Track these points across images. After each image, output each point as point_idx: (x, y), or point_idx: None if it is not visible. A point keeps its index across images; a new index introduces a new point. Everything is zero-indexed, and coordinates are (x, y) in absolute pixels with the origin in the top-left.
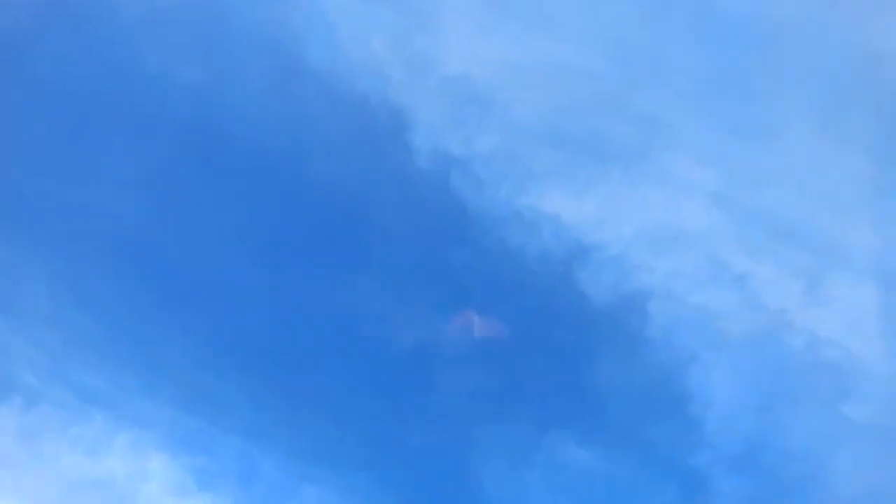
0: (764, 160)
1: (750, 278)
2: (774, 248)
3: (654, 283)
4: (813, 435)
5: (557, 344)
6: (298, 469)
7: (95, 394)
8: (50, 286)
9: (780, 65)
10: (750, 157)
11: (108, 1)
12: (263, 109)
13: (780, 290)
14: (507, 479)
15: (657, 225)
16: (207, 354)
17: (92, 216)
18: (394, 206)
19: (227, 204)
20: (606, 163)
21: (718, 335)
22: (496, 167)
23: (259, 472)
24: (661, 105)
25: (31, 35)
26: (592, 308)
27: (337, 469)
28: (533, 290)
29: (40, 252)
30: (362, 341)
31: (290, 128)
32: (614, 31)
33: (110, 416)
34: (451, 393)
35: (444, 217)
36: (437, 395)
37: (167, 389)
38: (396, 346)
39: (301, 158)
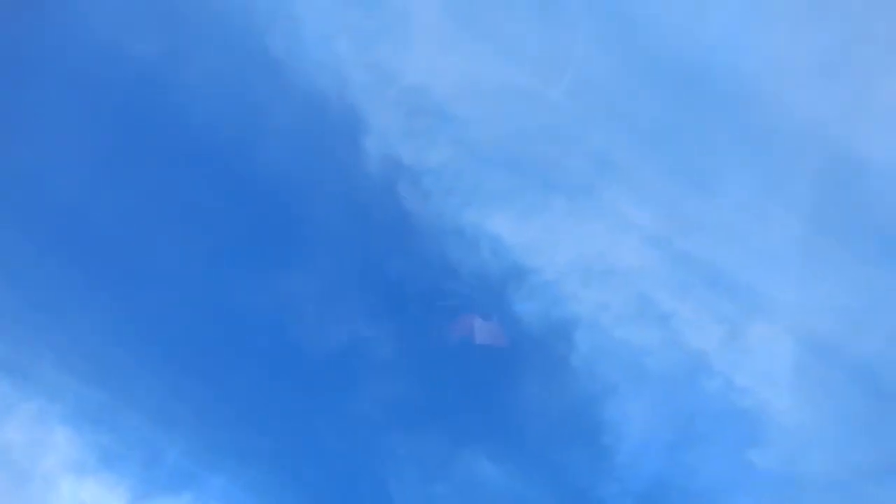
0: (701, 209)
1: (674, 318)
2: (701, 292)
3: (582, 313)
4: (717, 478)
5: (482, 361)
6: (204, 459)
7: (2, 359)
8: None
9: (731, 121)
10: (688, 205)
11: None
12: (216, 91)
13: (702, 333)
14: (417, 491)
15: (592, 257)
16: (126, 333)
17: (12, 185)
18: (336, 206)
19: (164, 182)
20: (552, 191)
21: (638, 370)
22: (444, 181)
23: (164, 457)
24: (611, 143)
25: None
26: (521, 330)
27: (244, 463)
28: (465, 306)
29: None
30: (286, 338)
31: (241, 114)
32: (577, 65)
33: (15, 384)
34: (369, 399)
35: (386, 224)
36: (356, 400)
37: (79, 363)
38: (320, 347)
39: (248, 146)
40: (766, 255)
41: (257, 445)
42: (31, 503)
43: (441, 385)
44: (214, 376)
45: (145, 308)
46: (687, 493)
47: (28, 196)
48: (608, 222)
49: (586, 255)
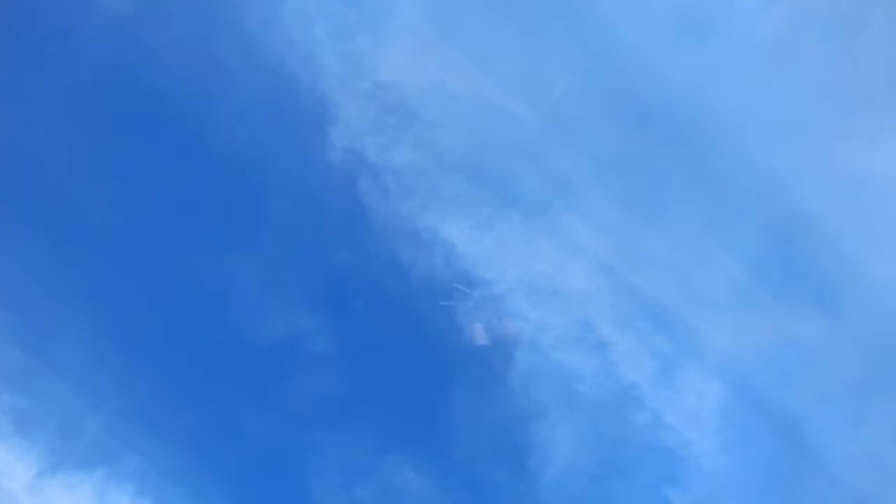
0: (651, 244)
1: (611, 348)
2: (640, 325)
3: (525, 331)
4: None
5: (420, 368)
6: (124, 435)
7: None
8: None
9: (689, 163)
10: (639, 238)
11: None
12: (182, 56)
13: (636, 366)
14: (335, 492)
15: (540, 277)
16: (60, 295)
17: None
18: (292, 192)
19: (114, 146)
20: (509, 207)
21: (571, 395)
22: (405, 182)
23: (82, 428)
24: (572, 167)
25: None
26: (462, 341)
27: (163, 444)
28: (411, 310)
29: None
30: (222, 320)
31: (205, 83)
32: (549, 87)
33: None
34: (299, 392)
35: (341, 217)
36: (286, 392)
37: (3, 319)
38: (256, 334)
39: (208, 118)
40: (706, 298)
41: (180, 427)
42: None
43: (374, 387)
44: (145, 351)
45: (80, 270)
46: None
47: None
48: (560, 245)
49: (535, 274)
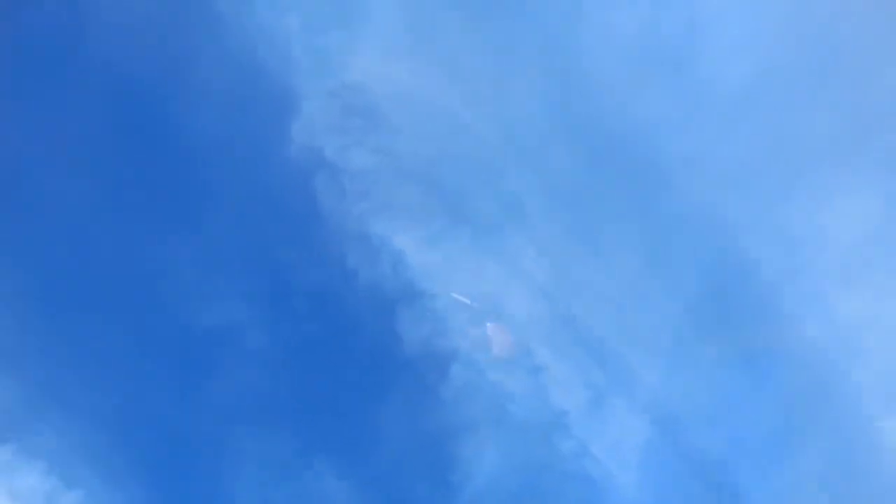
0: (594, 275)
1: (545, 373)
2: (576, 354)
3: (462, 348)
4: None
5: (354, 373)
6: (36, 409)
7: None
8: None
9: (640, 202)
10: (583, 268)
11: None
12: (152, 37)
13: (568, 393)
14: (253, 488)
15: (484, 296)
16: None
17: None
18: (245, 182)
19: (70, 123)
20: (461, 223)
21: (501, 415)
22: (361, 186)
23: None
24: (526, 192)
25: None
26: (400, 350)
27: (78, 422)
28: (352, 314)
29: None
30: (157, 304)
31: (169, 61)
32: (515, 110)
33: None
34: (228, 385)
35: (292, 212)
36: (214, 383)
37: None
38: (190, 322)
39: (168, 98)
40: (641, 335)
41: (99, 407)
42: None
43: (304, 388)
44: (71, 323)
45: (9, 238)
46: None
47: None
48: (506, 266)
49: (480, 292)
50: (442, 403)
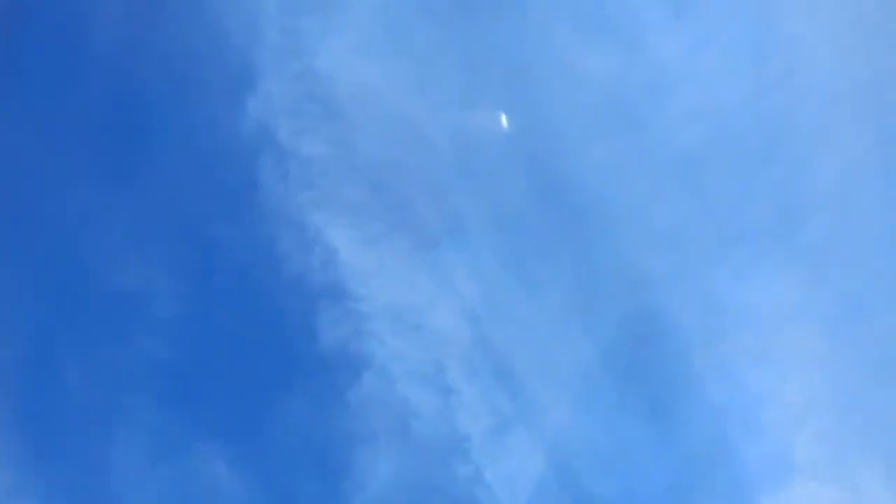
0: (521, 306)
1: (455, 394)
2: (487, 380)
3: (378, 355)
4: None
5: (263, 362)
6: None
7: None
8: None
9: (576, 242)
10: (512, 298)
11: None
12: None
13: (473, 417)
14: (137, 464)
15: (409, 308)
16: None
17: None
18: (189, 149)
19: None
20: (401, 230)
21: (405, 430)
22: (308, 174)
23: None
24: (471, 210)
25: None
26: (314, 347)
27: None
28: (272, 302)
29: None
30: (72, 260)
31: (130, 24)
32: (475, 124)
33: None
34: (131, 354)
35: (231, 187)
36: (117, 349)
37: None
38: (105, 283)
39: (125, 58)
40: (555, 371)
41: None
42: None
43: (210, 369)
44: None
45: None
46: None
47: None
48: (437, 281)
49: (405, 304)
50: (346, 408)
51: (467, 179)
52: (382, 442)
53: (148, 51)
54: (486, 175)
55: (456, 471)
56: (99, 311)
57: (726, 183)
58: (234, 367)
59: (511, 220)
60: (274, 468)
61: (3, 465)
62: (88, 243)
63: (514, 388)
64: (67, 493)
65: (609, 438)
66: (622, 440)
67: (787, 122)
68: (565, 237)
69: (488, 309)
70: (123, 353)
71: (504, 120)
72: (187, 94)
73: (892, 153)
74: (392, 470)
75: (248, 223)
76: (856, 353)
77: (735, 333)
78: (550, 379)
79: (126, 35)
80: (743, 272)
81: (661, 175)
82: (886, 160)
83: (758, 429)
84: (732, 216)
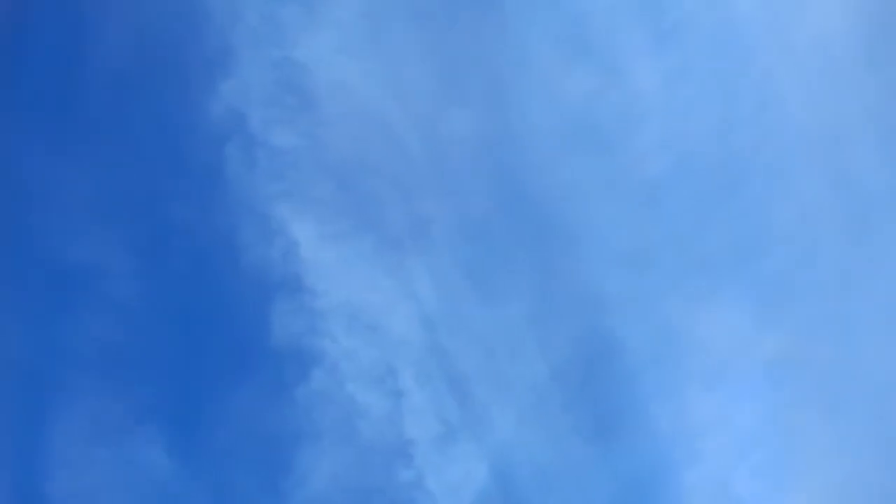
0: (478, 316)
1: (405, 398)
2: (438, 386)
3: (330, 353)
4: None
5: (211, 350)
6: None
7: None
8: None
9: (538, 257)
10: (470, 306)
11: None
12: None
13: (421, 423)
14: (76, 442)
15: (366, 308)
16: None
17: None
18: (152, 125)
19: None
20: (366, 228)
21: (350, 431)
22: (276, 164)
23: None
24: (438, 215)
25: None
26: (266, 339)
27: None
28: (227, 290)
29: None
30: (20, 231)
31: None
32: (450, 129)
33: None
34: (76, 330)
35: (196, 170)
36: (61, 324)
37: None
38: (53, 256)
39: (97, 38)
40: (505, 384)
41: None
42: None
43: (157, 352)
44: None
45: None
46: None
47: None
48: (397, 283)
49: (362, 303)
50: (293, 404)
51: (436, 184)
52: (326, 441)
53: (121, 23)
54: (454, 182)
55: (398, 475)
56: (46, 284)
57: (689, 212)
58: (181, 353)
59: (476, 229)
60: (214, 459)
61: None
62: (39, 214)
63: (464, 398)
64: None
65: (553, 455)
66: (566, 458)
67: (754, 158)
68: (527, 251)
69: (445, 316)
70: (68, 330)
71: None
72: (160, 71)
73: (852, 197)
74: (333, 470)
75: (211, 208)
76: (802, 390)
77: (685, 360)
78: (501, 391)
79: (99, 7)
80: (698, 300)
81: (626, 198)
82: (846, 203)
83: (700, 458)
84: (692, 245)
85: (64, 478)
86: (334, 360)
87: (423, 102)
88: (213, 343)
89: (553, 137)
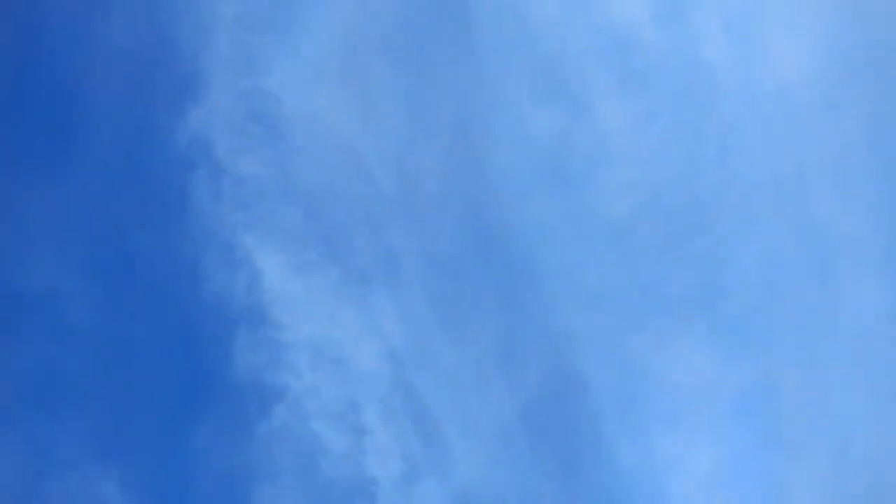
0: (445, 353)
1: (370, 436)
2: (404, 425)
3: (293, 388)
4: None
5: (170, 380)
6: None
7: None
8: None
9: (507, 295)
10: (437, 343)
11: None
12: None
13: (385, 462)
14: (25, 475)
15: (332, 342)
16: None
17: None
18: (116, 151)
19: None
20: (334, 261)
21: (312, 468)
22: (243, 193)
23: None
24: (406, 249)
25: None
26: (227, 372)
27: None
28: (189, 320)
29: None
30: None
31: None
32: (419, 170)
33: None
34: (29, 360)
35: (160, 197)
36: (14, 354)
37: None
38: (8, 284)
39: (71, 52)
40: (471, 422)
41: None
42: None
43: (113, 383)
44: None
45: None
46: None
47: None
48: (364, 317)
49: (327, 337)
50: (253, 440)
51: (405, 218)
52: (287, 479)
53: (93, 47)
54: (423, 216)
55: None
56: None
57: (654, 254)
58: (139, 385)
59: (443, 265)
60: (170, 496)
61: None
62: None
63: (430, 436)
64: None
65: (518, 494)
66: (531, 496)
67: (718, 201)
68: (494, 288)
69: (411, 351)
70: (21, 356)
71: None
72: (128, 96)
73: (814, 240)
74: None
75: (174, 236)
76: (764, 430)
77: (650, 399)
78: (466, 429)
79: (72, 30)
80: (662, 340)
81: (592, 239)
82: (808, 246)
83: (665, 496)
84: (657, 286)
85: None
86: (297, 396)
87: (394, 135)
88: (172, 375)
89: (522, 175)
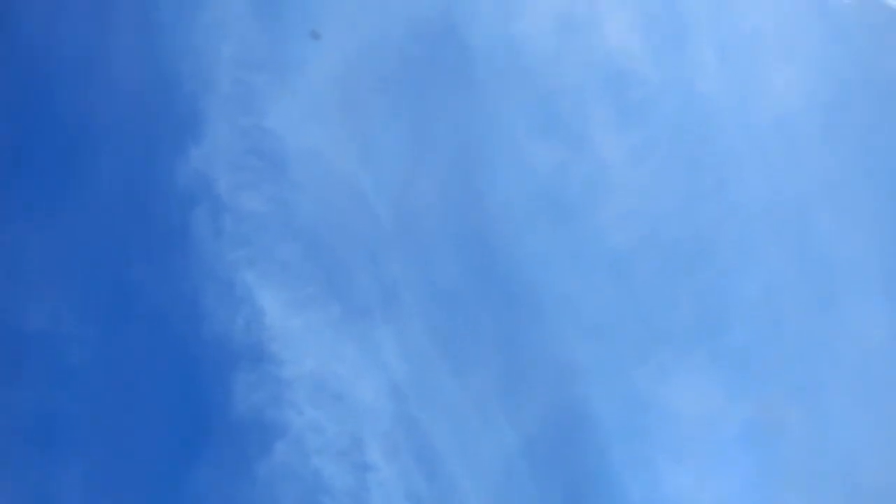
0: (448, 387)
1: (373, 473)
2: (408, 461)
3: (294, 425)
4: None
5: (170, 418)
6: None
7: None
8: None
9: (502, 327)
10: (440, 377)
11: None
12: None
13: (388, 499)
14: None
15: (333, 378)
16: None
17: None
18: (118, 188)
19: None
20: (334, 297)
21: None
22: (243, 229)
23: None
24: (408, 284)
25: None
26: (227, 410)
27: None
28: (188, 359)
29: None
30: None
31: (85, 49)
32: (419, 204)
33: None
34: (27, 399)
35: (161, 235)
36: (12, 393)
37: None
38: (8, 323)
39: (68, 82)
40: (476, 457)
41: None
42: None
43: (110, 424)
44: None
45: None
46: None
47: None
48: (365, 353)
49: (329, 373)
50: (253, 480)
51: (405, 252)
52: None
53: (94, 86)
54: (423, 250)
55: None
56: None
57: (655, 284)
58: (136, 425)
59: (445, 298)
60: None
61: None
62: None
63: (434, 472)
64: None
65: None
66: None
67: (716, 233)
68: (496, 321)
69: (415, 387)
70: (15, 397)
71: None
72: (128, 133)
73: (815, 269)
74: None
75: (174, 273)
76: (773, 460)
77: (655, 431)
78: (472, 465)
79: (73, 70)
80: (666, 371)
81: (593, 270)
82: (809, 275)
83: None
84: (658, 317)
85: None
86: (299, 433)
87: (393, 170)
88: (171, 414)
89: (521, 208)
